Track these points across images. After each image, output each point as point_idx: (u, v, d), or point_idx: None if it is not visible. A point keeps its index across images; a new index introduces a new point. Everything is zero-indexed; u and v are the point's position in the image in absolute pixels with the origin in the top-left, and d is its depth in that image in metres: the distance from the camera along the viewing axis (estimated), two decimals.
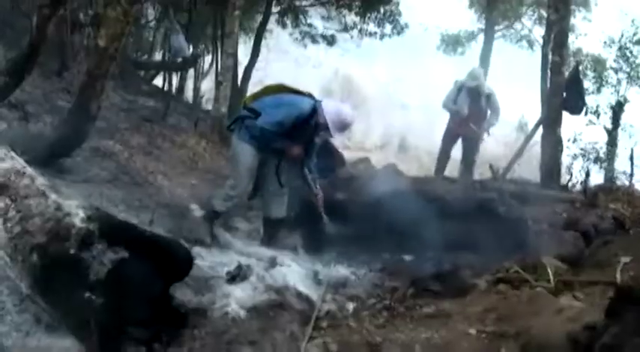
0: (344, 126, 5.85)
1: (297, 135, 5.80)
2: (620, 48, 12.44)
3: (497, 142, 22.11)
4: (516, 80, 21.67)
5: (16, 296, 3.98)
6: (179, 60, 13.16)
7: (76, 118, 6.35)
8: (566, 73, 8.89)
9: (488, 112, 9.31)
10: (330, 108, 5.79)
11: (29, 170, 4.27)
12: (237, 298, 4.60)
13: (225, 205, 6.03)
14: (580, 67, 10.76)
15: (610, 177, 10.87)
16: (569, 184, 8.90)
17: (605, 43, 12.89)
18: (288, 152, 5.80)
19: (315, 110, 5.83)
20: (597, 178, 11.04)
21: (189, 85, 17.14)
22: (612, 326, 3.21)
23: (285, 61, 25.18)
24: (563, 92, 8.47)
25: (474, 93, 9.18)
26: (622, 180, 10.09)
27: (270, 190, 6.13)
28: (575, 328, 3.52)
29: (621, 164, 10.96)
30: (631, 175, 9.66)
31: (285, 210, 6.26)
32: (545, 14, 13.19)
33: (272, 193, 6.14)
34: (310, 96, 6.08)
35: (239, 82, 14.59)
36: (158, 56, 17.15)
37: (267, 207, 6.21)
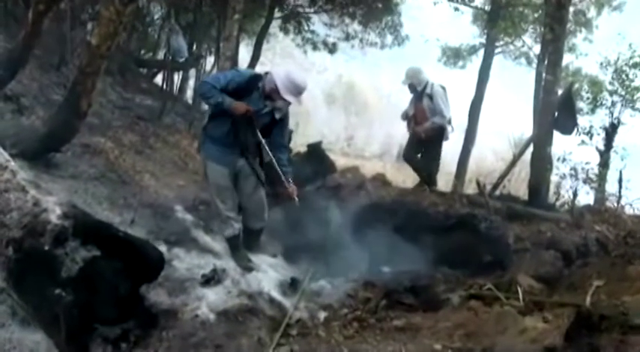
0: (295, 88, 5.59)
1: (245, 102, 5.55)
2: (616, 70, 12.48)
3: (495, 157, 22.16)
4: (516, 96, 21.74)
5: None
6: (181, 59, 13.20)
7: (65, 114, 6.38)
8: (560, 93, 8.89)
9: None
10: (281, 73, 5.66)
11: (12, 164, 4.31)
12: (210, 301, 4.65)
13: (233, 226, 5.88)
14: (574, 87, 10.78)
15: (600, 198, 10.87)
16: (557, 203, 8.93)
17: (601, 64, 12.92)
18: (235, 110, 5.46)
19: (256, 76, 5.76)
20: (588, 199, 11.05)
21: (191, 84, 17.18)
22: (569, 350, 3.26)
23: (289, 65, 25.15)
24: (555, 111, 8.47)
25: (415, 93, 9.20)
26: (612, 202, 10.09)
27: (250, 204, 6.00)
28: (536, 349, 3.57)
29: (612, 186, 10.95)
30: (619, 197, 9.66)
31: (265, 219, 6.17)
32: None
33: (253, 205, 6.02)
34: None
35: None
36: (161, 55, 17.18)
37: (247, 217, 6.10)
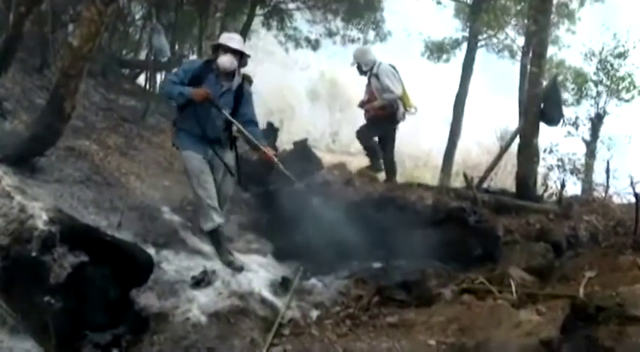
0: (229, 36, 6.14)
1: (204, 87, 5.85)
2: (600, 61, 12.55)
3: (481, 150, 22.23)
4: (501, 89, 21.80)
5: None
6: (164, 59, 13.10)
7: (49, 117, 6.30)
8: (545, 84, 8.90)
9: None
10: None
11: None
12: (201, 303, 4.61)
13: (213, 219, 5.85)
14: (559, 79, 10.81)
15: (587, 188, 10.92)
16: (545, 195, 8.94)
17: (586, 55, 13.00)
18: (196, 97, 5.76)
19: (208, 61, 6.12)
20: (575, 190, 11.09)
21: None
22: (565, 342, 3.24)
23: (272, 63, 25.09)
24: (541, 103, 8.47)
25: (364, 75, 9.18)
26: (599, 192, 10.13)
27: (221, 195, 6.11)
28: (532, 342, 3.56)
29: (599, 176, 11.01)
30: (607, 187, 9.70)
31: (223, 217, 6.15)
32: None
33: (219, 195, 6.06)
34: None
35: None
36: (144, 55, 17.06)
37: None
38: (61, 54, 10.28)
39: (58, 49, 10.65)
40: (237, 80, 6.07)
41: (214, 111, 5.91)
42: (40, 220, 3.73)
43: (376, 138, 9.17)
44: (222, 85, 5.99)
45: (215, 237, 5.90)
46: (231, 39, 6.04)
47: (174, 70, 6.29)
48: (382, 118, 8.99)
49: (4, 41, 6.43)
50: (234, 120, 5.96)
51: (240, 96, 6.11)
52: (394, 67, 9.10)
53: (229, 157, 6.18)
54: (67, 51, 6.30)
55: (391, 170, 9.31)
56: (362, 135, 9.20)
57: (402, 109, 9.00)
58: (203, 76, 5.94)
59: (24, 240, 3.64)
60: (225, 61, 5.93)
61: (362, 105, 9.28)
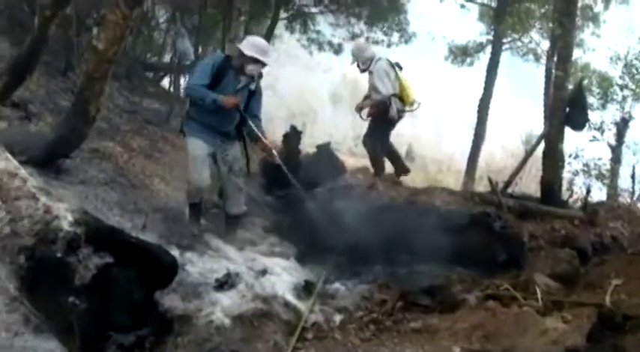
0: (257, 46, 6.19)
1: (224, 83, 6.18)
2: (626, 65, 12.42)
3: (505, 154, 22.06)
4: (525, 93, 21.64)
5: (6, 296, 3.99)
6: (188, 62, 13.17)
7: (74, 120, 6.36)
8: (570, 88, 8.79)
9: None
10: (243, 41, 6.35)
11: (22, 172, 4.27)
12: (224, 306, 4.59)
13: (197, 196, 6.34)
14: (584, 83, 10.70)
15: (612, 194, 10.80)
16: (570, 200, 8.84)
17: (611, 59, 12.87)
18: (226, 105, 6.05)
19: (228, 57, 6.38)
20: (601, 196, 10.97)
21: None
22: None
23: (295, 66, 25.11)
24: (566, 107, 8.38)
25: (364, 72, 9.16)
26: (625, 198, 10.02)
27: (228, 187, 6.46)
28: (558, 351, 3.50)
29: (625, 181, 10.88)
30: (632, 193, 9.59)
31: (244, 207, 6.60)
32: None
33: (230, 188, 6.44)
34: None
35: None
36: (168, 58, 17.15)
37: (226, 203, 6.55)
38: (85, 57, 10.34)
39: (82, 52, 10.73)
40: (256, 79, 6.39)
41: (233, 110, 6.23)
42: (65, 221, 3.73)
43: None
44: (240, 81, 6.27)
45: (193, 209, 6.39)
46: (264, 52, 6.22)
47: (197, 72, 6.35)
48: (376, 117, 8.97)
49: (29, 44, 6.49)
50: (246, 116, 6.31)
51: (254, 93, 6.45)
52: (395, 64, 9.05)
53: (236, 149, 6.53)
54: (92, 54, 6.34)
55: (381, 167, 9.27)
56: (368, 141, 9.20)
57: (395, 108, 8.92)
58: (224, 72, 6.19)
59: (49, 241, 3.63)
60: (253, 69, 6.23)
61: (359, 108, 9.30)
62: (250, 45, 6.17)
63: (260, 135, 6.40)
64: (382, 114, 8.89)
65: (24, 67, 6.52)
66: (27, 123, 7.55)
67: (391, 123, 9.16)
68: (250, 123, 6.32)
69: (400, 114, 9.08)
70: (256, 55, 6.09)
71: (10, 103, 7.37)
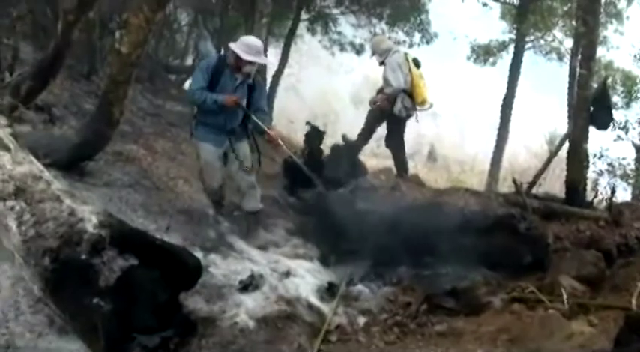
0: (251, 48, 6.19)
1: (222, 82, 6.29)
2: None
3: (529, 154, 21.89)
4: (549, 92, 21.43)
5: (31, 298, 4.04)
6: None
7: (98, 123, 6.41)
8: (594, 87, 8.68)
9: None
10: (237, 43, 6.30)
11: (46, 174, 4.30)
12: (248, 308, 4.61)
13: (216, 195, 6.60)
14: (608, 81, 10.55)
15: (637, 194, 10.66)
16: (594, 201, 8.73)
17: (635, 56, 12.70)
18: (227, 104, 6.17)
19: (221, 56, 6.60)
20: (625, 196, 10.82)
21: None
22: None
23: (317, 67, 25.09)
24: (591, 106, 8.27)
25: (382, 65, 9.10)
26: None
27: (241, 184, 6.56)
28: None
29: None
30: None
31: (260, 204, 6.71)
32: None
33: (244, 184, 6.54)
34: None
35: (267, 88, 14.62)
36: (190, 61, 17.24)
37: (242, 200, 6.64)
38: (108, 60, 10.43)
39: (106, 56, 10.82)
40: (252, 74, 6.42)
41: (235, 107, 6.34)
42: (90, 224, 3.75)
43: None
44: (237, 78, 6.35)
45: (215, 203, 6.67)
46: (257, 53, 6.25)
47: (194, 77, 6.54)
48: (385, 111, 8.95)
49: (53, 49, 6.53)
50: (247, 111, 6.43)
51: (254, 87, 6.51)
52: (412, 60, 9.00)
53: (245, 147, 6.63)
54: (115, 57, 6.40)
55: (405, 168, 9.24)
56: (391, 143, 9.19)
57: (400, 104, 8.87)
58: (220, 72, 6.30)
59: (74, 243, 3.66)
60: (250, 69, 6.31)
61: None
62: (243, 46, 6.21)
63: (263, 127, 6.48)
64: (390, 109, 8.89)
65: (48, 71, 6.55)
66: (51, 127, 7.61)
67: (399, 121, 9.12)
68: (254, 117, 6.43)
69: (408, 112, 9.01)
70: (248, 58, 6.14)
71: (35, 107, 7.41)
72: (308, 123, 9.31)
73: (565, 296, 4.83)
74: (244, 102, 6.41)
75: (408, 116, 9.10)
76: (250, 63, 6.20)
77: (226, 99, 6.15)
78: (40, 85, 6.57)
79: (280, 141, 6.63)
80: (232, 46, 6.28)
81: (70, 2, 6.30)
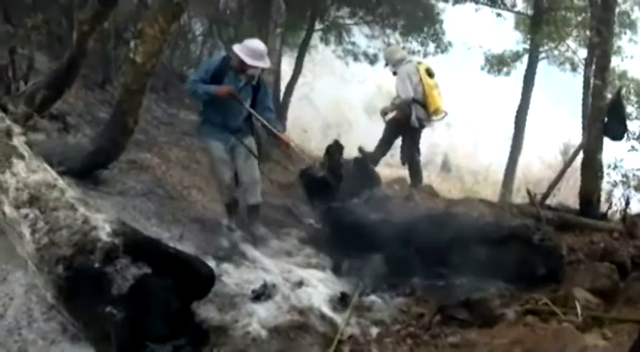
0: (255, 52, 6.22)
1: (225, 83, 6.32)
2: None
3: (543, 165, 21.78)
4: (563, 103, 21.34)
5: (44, 305, 4.06)
6: None
7: (112, 131, 6.47)
8: (609, 97, 8.63)
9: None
10: (240, 46, 6.32)
11: (60, 182, 4.32)
12: (261, 317, 4.60)
13: (229, 195, 6.66)
14: (623, 92, 10.49)
15: None
16: (609, 212, 8.67)
17: None
18: (220, 93, 6.22)
19: (225, 58, 6.54)
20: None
21: None
22: None
23: (331, 76, 25.13)
24: (605, 117, 8.23)
25: (395, 74, 9.10)
26: None
27: (244, 178, 6.58)
28: None
29: None
30: None
31: (260, 197, 6.75)
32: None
33: (247, 179, 6.57)
34: None
35: (281, 98, 14.66)
36: None
37: (244, 193, 6.69)
38: (123, 70, 10.51)
39: (120, 65, 10.90)
40: (256, 76, 6.49)
41: (236, 104, 6.39)
42: (103, 232, 3.76)
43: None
44: (241, 80, 6.42)
45: (229, 207, 6.71)
46: (260, 56, 6.29)
47: (196, 71, 6.86)
48: (399, 123, 8.93)
49: (67, 58, 6.59)
50: (252, 111, 6.49)
51: (258, 88, 6.58)
52: (425, 69, 8.99)
53: (250, 143, 6.64)
54: (130, 67, 6.46)
55: (419, 178, 9.22)
56: (406, 153, 9.18)
57: (415, 114, 8.85)
58: (223, 72, 6.36)
59: (87, 251, 3.66)
60: (254, 72, 6.41)
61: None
62: (247, 50, 6.24)
63: (270, 127, 6.54)
64: (405, 119, 8.87)
65: (62, 81, 6.62)
66: (65, 135, 7.67)
67: (413, 131, 9.10)
68: (261, 119, 6.51)
69: (422, 122, 9.00)
70: (252, 62, 6.19)
71: (49, 115, 7.47)
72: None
73: (579, 309, 4.77)
74: (249, 103, 6.47)
75: (422, 126, 9.09)
76: (252, 66, 6.25)
77: (218, 90, 6.21)
78: (55, 94, 6.63)
79: (292, 144, 6.78)
80: (236, 49, 6.29)
81: (85, 12, 6.37)
